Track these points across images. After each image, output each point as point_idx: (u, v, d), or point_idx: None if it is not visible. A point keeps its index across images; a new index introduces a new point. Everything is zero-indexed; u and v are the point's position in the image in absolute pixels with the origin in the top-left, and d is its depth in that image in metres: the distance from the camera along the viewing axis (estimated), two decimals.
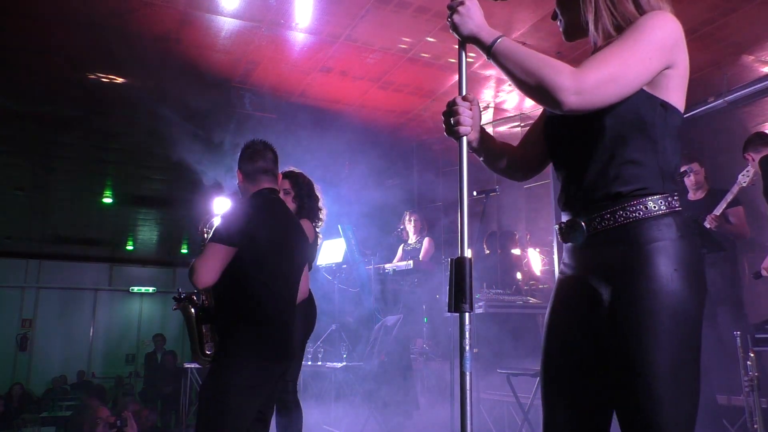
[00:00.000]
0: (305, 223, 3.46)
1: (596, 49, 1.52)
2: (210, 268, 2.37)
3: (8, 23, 4.79)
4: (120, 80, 5.74)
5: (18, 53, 5.23)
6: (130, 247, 13.85)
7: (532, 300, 5.57)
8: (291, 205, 3.55)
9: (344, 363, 4.89)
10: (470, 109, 1.57)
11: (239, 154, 2.74)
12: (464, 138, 1.56)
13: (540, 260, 6.89)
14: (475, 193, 4.63)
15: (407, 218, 6.31)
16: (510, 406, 4.18)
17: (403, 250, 6.22)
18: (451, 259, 1.47)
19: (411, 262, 5.69)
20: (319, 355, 5.22)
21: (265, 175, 2.69)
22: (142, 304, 15.36)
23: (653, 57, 1.38)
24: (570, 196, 1.52)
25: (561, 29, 1.64)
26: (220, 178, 6.25)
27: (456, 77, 5.70)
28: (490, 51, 1.47)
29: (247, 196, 2.65)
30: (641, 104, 1.40)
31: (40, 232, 12.42)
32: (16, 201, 9.91)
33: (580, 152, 1.48)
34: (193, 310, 2.59)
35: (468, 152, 1.60)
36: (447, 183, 7.22)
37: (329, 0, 4.52)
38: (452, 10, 1.53)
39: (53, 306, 14.56)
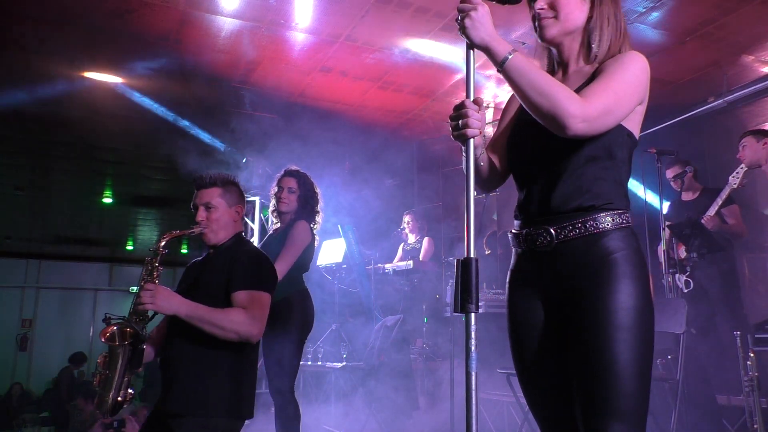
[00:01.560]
0: (302, 225, 3.48)
1: (569, 73, 1.70)
2: (261, 319, 2.29)
3: (8, 23, 4.79)
4: (120, 80, 5.74)
5: (18, 53, 5.23)
6: (130, 247, 13.86)
7: None
8: (293, 205, 3.55)
9: (344, 363, 4.90)
10: (478, 112, 1.57)
11: (232, 188, 2.54)
12: (471, 141, 1.56)
13: None
14: (475, 193, 4.62)
15: (406, 218, 6.32)
16: (510, 406, 4.18)
17: (403, 249, 6.22)
18: (458, 260, 1.49)
19: (411, 262, 5.69)
20: (319, 355, 5.23)
21: None
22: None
23: (638, 94, 1.58)
24: (537, 205, 1.63)
25: (541, 24, 1.69)
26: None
27: (456, 77, 5.75)
28: (502, 65, 1.51)
29: (232, 232, 2.52)
30: (614, 134, 1.58)
31: (40, 232, 12.42)
32: (16, 201, 9.92)
33: (553, 167, 1.60)
34: (125, 349, 2.26)
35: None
36: (447, 183, 7.22)
37: (329, 0, 4.52)
38: (463, 13, 1.53)
39: (53, 306, 14.56)
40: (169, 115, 6.10)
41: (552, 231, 1.57)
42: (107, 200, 9.91)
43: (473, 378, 1.46)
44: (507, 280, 1.73)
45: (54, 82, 5.73)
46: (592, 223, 1.54)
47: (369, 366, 4.52)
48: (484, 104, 6.20)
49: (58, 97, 6.02)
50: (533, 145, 1.65)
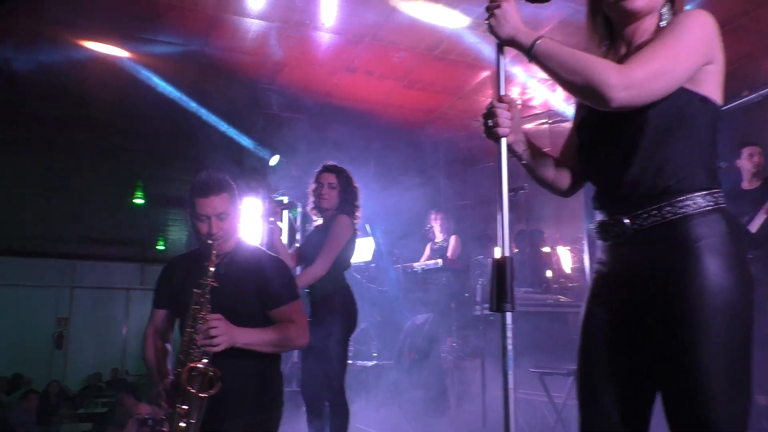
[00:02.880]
0: (343, 219, 3.42)
1: (633, 48, 1.55)
2: (308, 329, 2.35)
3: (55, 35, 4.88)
4: (149, 82, 5.82)
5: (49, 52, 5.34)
6: (161, 247, 14.07)
7: (562, 298, 5.52)
8: (334, 200, 3.48)
9: (375, 361, 4.91)
10: (508, 110, 1.56)
11: (234, 188, 2.34)
12: (503, 140, 1.56)
13: (570, 258, 6.82)
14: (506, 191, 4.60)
15: (433, 217, 6.30)
16: (542, 406, 4.15)
17: (431, 248, 6.21)
18: (492, 259, 1.48)
19: (440, 260, 5.67)
20: (350, 353, 5.24)
21: None
22: None
23: (698, 52, 1.42)
24: (609, 194, 1.52)
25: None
26: (245, 178, 6.32)
27: (483, 74, 5.71)
28: (530, 53, 1.49)
29: (237, 237, 2.40)
30: (682, 100, 1.42)
31: (74, 233, 12.69)
32: (50, 202, 10.14)
33: (620, 150, 1.48)
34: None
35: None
36: (474, 181, 7.18)
37: (355, 0, 4.53)
38: (490, 12, 1.55)
39: (87, 305, 14.88)
40: (199, 115, 6.17)
41: (625, 221, 1.45)
42: (138, 201, 10.07)
43: (510, 377, 1.45)
44: (594, 270, 1.63)
45: (86, 85, 5.85)
46: (670, 208, 1.39)
47: (400, 364, 4.52)
48: (516, 102, 6.18)
49: (91, 99, 6.13)
50: (596, 134, 1.57)
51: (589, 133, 1.62)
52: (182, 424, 2.01)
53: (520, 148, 1.68)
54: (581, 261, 6.58)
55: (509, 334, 1.48)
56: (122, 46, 5.16)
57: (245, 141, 6.50)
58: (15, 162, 8.07)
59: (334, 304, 3.33)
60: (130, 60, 5.36)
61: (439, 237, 6.18)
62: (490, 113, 1.57)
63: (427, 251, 6.24)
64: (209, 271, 2.12)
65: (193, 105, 5.92)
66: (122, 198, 10.03)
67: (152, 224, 12.13)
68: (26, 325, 14.13)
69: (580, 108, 1.73)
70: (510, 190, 5.12)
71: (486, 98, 6.25)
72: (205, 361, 2.04)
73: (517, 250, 6.12)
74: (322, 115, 6.25)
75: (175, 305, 2.35)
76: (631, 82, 1.37)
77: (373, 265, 6.09)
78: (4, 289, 14.26)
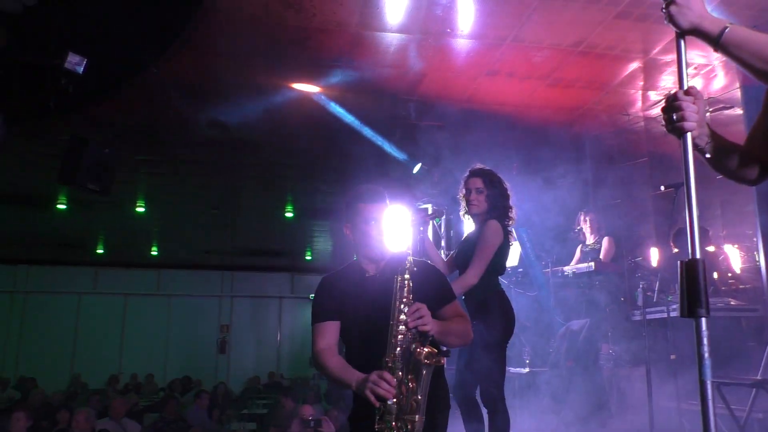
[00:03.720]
0: (493, 224, 3.34)
1: None
2: None
3: (204, 59, 5.36)
4: (298, 101, 6.17)
5: (214, 86, 5.84)
6: (308, 257, 14.83)
7: (733, 302, 5.06)
8: (483, 205, 3.41)
9: (528, 369, 4.80)
10: (694, 104, 1.48)
11: (385, 203, 2.45)
12: (689, 134, 1.47)
13: (740, 257, 6.23)
14: (663, 188, 4.34)
15: (582, 218, 6.05)
16: (720, 419, 3.82)
17: (581, 251, 5.96)
18: (681, 262, 1.40)
19: (592, 263, 5.43)
20: None
21: None
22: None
23: None
24: None
25: None
26: (390, 188, 6.46)
27: (631, 66, 5.42)
28: (718, 42, 1.42)
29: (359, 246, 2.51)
30: None
31: (232, 246, 13.76)
32: (212, 219, 11.08)
33: None
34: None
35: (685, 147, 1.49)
36: (624, 178, 6.80)
37: (494, 2, 4.50)
38: (668, 1, 1.47)
39: (246, 313, 16.08)
40: (345, 129, 6.43)
41: None
42: (288, 214, 10.70)
43: (708, 386, 1.36)
44: None
45: (244, 108, 6.33)
46: None
47: (556, 371, 4.39)
48: (664, 91, 5.80)
49: (247, 121, 6.63)
50: None
51: None
52: (416, 400, 2.09)
53: (704, 142, 1.59)
54: (752, 260, 5.99)
55: (705, 341, 1.38)
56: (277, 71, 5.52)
57: (388, 150, 6.66)
58: (184, 181, 8.91)
59: (491, 310, 3.27)
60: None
61: (590, 239, 5.92)
62: (673, 107, 1.49)
63: (578, 254, 6.00)
64: (405, 267, 2.21)
65: (341, 120, 6.17)
66: (274, 211, 10.72)
67: (300, 236, 12.82)
68: (194, 332, 15.55)
69: None
70: (669, 186, 4.76)
71: (635, 90, 5.93)
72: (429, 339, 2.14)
73: (677, 250, 5.70)
74: (463, 122, 6.26)
75: (340, 316, 2.44)
76: None
77: (520, 270, 5.98)
78: (176, 299, 15.80)
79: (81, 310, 15.21)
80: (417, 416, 2.07)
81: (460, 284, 3.27)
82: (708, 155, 1.61)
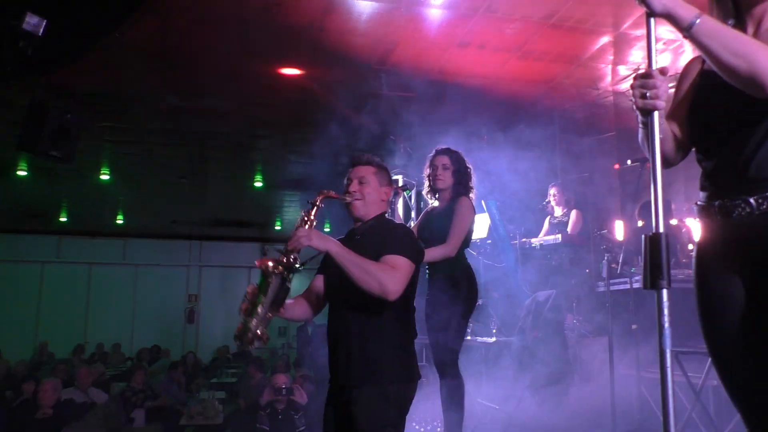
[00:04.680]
0: (466, 201, 3.58)
1: (762, 30, 1.55)
2: (403, 283, 2.32)
3: (174, 26, 5.22)
4: (268, 71, 6.07)
5: (181, 53, 5.69)
6: (278, 227, 14.75)
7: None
8: (449, 181, 3.64)
9: (495, 338, 4.90)
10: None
11: (384, 171, 2.60)
12: (657, 113, 1.50)
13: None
14: (629, 162, 4.41)
15: (552, 191, 6.12)
16: (677, 386, 3.97)
17: (550, 223, 6.05)
18: (645, 235, 1.45)
19: (559, 236, 5.52)
20: (469, 330, 5.26)
21: None
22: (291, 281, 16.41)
23: None
24: (731, 174, 1.52)
25: None
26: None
27: (602, 40, 5.44)
28: (689, 30, 1.44)
29: (378, 210, 2.57)
30: None
31: (200, 216, 13.61)
32: (180, 188, 10.92)
33: (748, 132, 1.49)
34: (278, 280, 2.33)
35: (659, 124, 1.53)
36: (593, 152, 6.89)
37: None
38: None
39: (214, 283, 16.00)
40: (314, 99, 6.35)
41: (752, 201, 1.48)
42: (258, 184, 10.60)
43: (667, 356, 1.41)
44: (695, 254, 1.66)
45: (210, 77, 6.20)
46: None
47: (522, 341, 4.49)
48: (633, 66, 5.85)
49: (215, 91, 6.50)
50: (723, 110, 1.56)
51: (707, 106, 1.61)
52: (254, 299, 2.35)
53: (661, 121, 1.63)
54: None
55: (666, 312, 1.43)
56: (247, 40, 5.40)
57: (358, 123, 6.62)
58: (150, 150, 8.73)
59: (458, 283, 3.46)
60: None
61: (558, 211, 6.00)
62: (646, 84, 1.52)
63: (546, 226, 6.08)
64: (319, 199, 2.47)
65: (311, 90, 6.09)
66: (243, 182, 10.60)
67: (270, 206, 12.72)
68: (162, 302, 15.44)
69: (692, 80, 1.70)
70: (635, 160, 4.84)
71: (605, 65, 5.97)
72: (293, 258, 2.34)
73: (642, 223, 5.82)
74: (434, 93, 6.23)
75: (324, 271, 2.62)
76: None
77: (489, 241, 6.05)
78: (143, 269, 15.62)
79: (44, 280, 14.95)
80: (252, 321, 2.31)
81: (441, 252, 3.45)
82: (660, 135, 1.66)
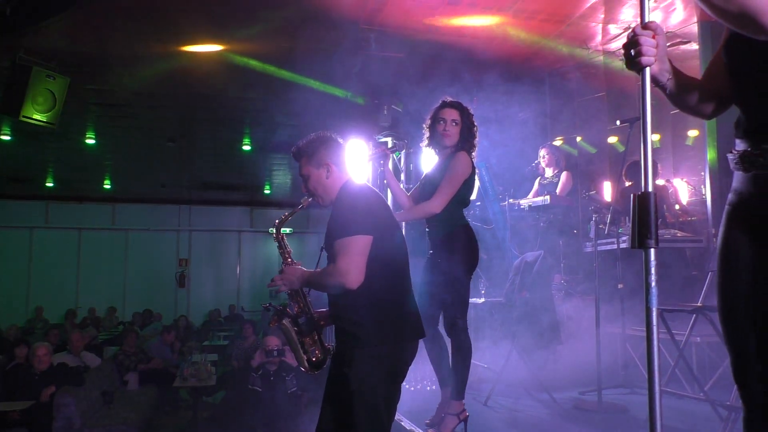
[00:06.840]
0: (464, 156, 3.31)
1: None
2: (356, 264, 2.26)
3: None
4: (252, 30, 5.94)
5: (165, 15, 5.56)
6: (267, 191, 14.69)
7: (679, 233, 5.26)
8: (456, 137, 3.35)
9: (483, 299, 4.96)
10: (653, 38, 1.48)
11: (324, 146, 2.51)
12: (647, 70, 1.48)
13: (687, 190, 6.46)
14: (618, 122, 4.40)
15: (542, 152, 6.10)
16: (662, 343, 4.05)
17: (540, 184, 6.06)
18: (634, 195, 1.44)
19: (548, 197, 5.54)
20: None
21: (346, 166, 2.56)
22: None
23: None
24: (756, 122, 1.46)
25: None
26: (348, 121, 6.40)
27: None
28: None
29: (338, 185, 2.49)
30: None
31: (189, 180, 13.51)
32: (168, 152, 10.80)
33: None
34: (289, 325, 2.53)
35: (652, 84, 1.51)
36: (584, 113, 6.87)
37: None
38: None
39: (204, 247, 15.99)
40: (301, 63, 6.25)
41: None
42: (246, 147, 10.50)
43: (653, 313, 1.43)
44: (727, 202, 1.61)
45: (191, 40, 6.07)
46: None
47: (510, 301, 4.54)
48: (625, 25, 5.79)
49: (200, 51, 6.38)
50: (749, 60, 1.51)
51: (739, 58, 1.54)
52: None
53: (665, 78, 1.60)
54: (699, 193, 6.22)
55: (653, 271, 1.44)
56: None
57: (344, 86, 6.54)
58: (137, 114, 8.60)
59: (457, 242, 3.28)
60: None
61: (548, 173, 6.00)
62: (632, 42, 1.49)
63: (536, 186, 6.09)
64: (278, 231, 2.67)
65: (298, 50, 5.99)
66: (231, 145, 10.49)
67: (259, 170, 12.63)
68: (152, 266, 15.43)
69: (728, 30, 1.61)
70: (624, 121, 4.83)
71: (595, 23, 5.90)
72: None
73: (629, 183, 5.85)
74: (423, 53, 6.15)
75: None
76: None
77: (478, 203, 6.06)
78: (133, 233, 15.56)
79: (34, 245, 14.87)
80: (304, 358, 2.57)
81: (421, 210, 3.29)
82: (669, 91, 1.63)
